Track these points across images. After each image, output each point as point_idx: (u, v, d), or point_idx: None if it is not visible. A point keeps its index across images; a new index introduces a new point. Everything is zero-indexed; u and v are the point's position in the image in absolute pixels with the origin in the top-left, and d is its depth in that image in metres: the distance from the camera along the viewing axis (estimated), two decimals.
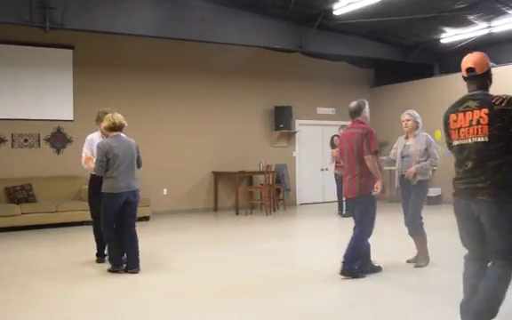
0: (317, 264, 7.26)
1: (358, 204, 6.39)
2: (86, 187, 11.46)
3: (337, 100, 16.15)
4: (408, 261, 7.08)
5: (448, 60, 15.36)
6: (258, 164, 13.99)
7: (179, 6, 11.67)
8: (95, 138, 7.39)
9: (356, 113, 6.51)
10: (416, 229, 6.87)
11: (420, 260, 6.93)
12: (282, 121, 14.77)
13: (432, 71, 15.74)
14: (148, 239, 9.66)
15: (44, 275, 6.88)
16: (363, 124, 6.43)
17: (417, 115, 7.14)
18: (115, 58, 12.76)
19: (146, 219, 11.96)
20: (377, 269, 6.57)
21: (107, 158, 6.65)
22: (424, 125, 7.50)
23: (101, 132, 7.31)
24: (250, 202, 13.57)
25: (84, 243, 8.84)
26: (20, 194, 11.09)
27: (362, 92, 16.57)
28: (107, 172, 6.69)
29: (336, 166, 12.23)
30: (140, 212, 11.77)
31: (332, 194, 15.28)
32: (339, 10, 11.86)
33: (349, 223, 6.66)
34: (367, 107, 6.61)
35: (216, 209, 13.93)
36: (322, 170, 15.84)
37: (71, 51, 12.19)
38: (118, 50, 12.66)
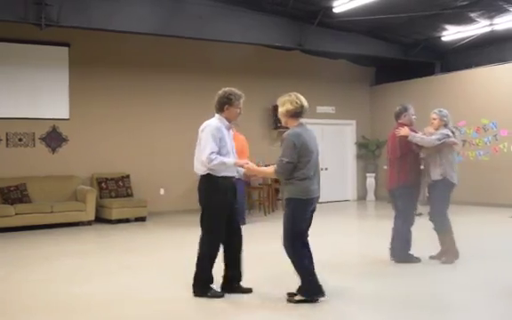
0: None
1: (398, 196, 7.09)
2: (89, 188, 11.52)
3: (337, 98, 15.99)
4: (431, 257, 7.22)
5: (449, 58, 15.19)
6: (255, 163, 13.74)
7: (176, 3, 11.47)
8: (221, 126, 5.64)
9: (396, 116, 7.35)
10: (440, 225, 7.10)
11: (448, 255, 7.05)
12: (281, 120, 14.52)
13: (433, 69, 15.53)
14: (145, 239, 9.56)
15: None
16: (402, 125, 7.17)
17: (444, 113, 7.32)
18: (111, 55, 12.57)
19: (142, 219, 11.80)
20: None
21: (298, 155, 5.26)
22: (425, 123, 7.50)
23: (225, 119, 5.69)
24: (249, 201, 13.39)
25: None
26: (14, 194, 10.89)
27: (362, 90, 16.44)
28: (294, 173, 5.26)
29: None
30: (137, 212, 11.75)
31: (330, 194, 15.15)
32: (339, 7, 11.68)
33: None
34: (409, 111, 7.34)
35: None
36: (321, 169, 15.61)
37: (67, 48, 11.99)
38: (115, 47, 12.46)
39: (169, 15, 11.41)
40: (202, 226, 5.59)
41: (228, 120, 5.66)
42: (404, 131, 7.01)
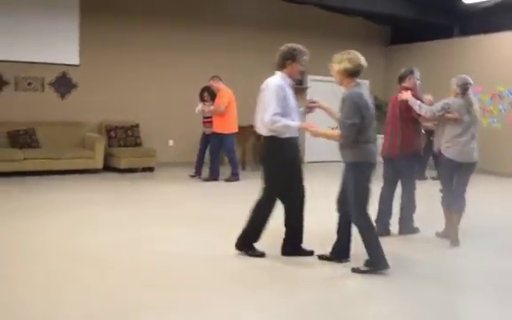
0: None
1: (403, 165, 6.68)
2: (97, 136, 11.38)
3: None
4: (437, 235, 6.77)
5: (468, 21, 14.80)
6: (330, 128, 13.58)
7: None
8: (283, 84, 5.35)
9: (400, 79, 6.96)
10: (462, 206, 6.50)
11: (455, 238, 6.42)
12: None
13: (451, 32, 15.18)
14: (153, 191, 9.47)
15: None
16: (406, 88, 6.78)
17: (459, 81, 6.56)
18: (124, 3, 12.26)
19: (150, 169, 11.70)
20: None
21: (361, 116, 4.94)
22: (439, 88, 7.21)
23: (287, 76, 5.40)
24: (257, 157, 13.25)
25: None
26: (23, 138, 10.76)
27: (377, 50, 16.15)
28: (357, 135, 4.97)
29: (203, 122, 11.26)
30: (145, 162, 11.66)
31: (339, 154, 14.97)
32: None
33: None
34: (415, 74, 6.91)
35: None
36: (331, 128, 15.43)
37: None
38: None
39: None
40: (263, 186, 5.41)
41: (290, 77, 5.40)
42: (406, 94, 6.59)
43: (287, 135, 5.28)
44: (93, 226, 6.73)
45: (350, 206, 5.08)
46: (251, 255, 5.44)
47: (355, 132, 4.92)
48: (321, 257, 5.45)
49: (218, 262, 5.39)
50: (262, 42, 14.17)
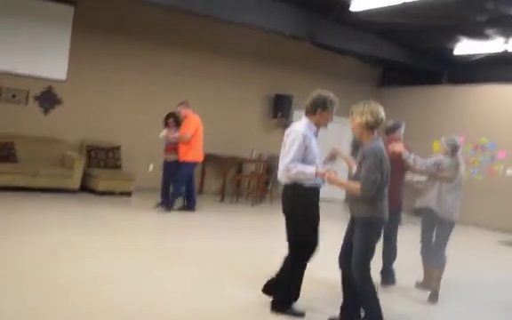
0: None
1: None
2: (77, 155, 11.14)
3: (340, 95, 15.44)
4: (417, 285, 6.88)
5: (458, 70, 14.90)
6: (250, 150, 13.50)
7: None
8: (308, 132, 5.10)
9: (389, 130, 6.99)
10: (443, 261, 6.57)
11: (434, 295, 6.46)
12: (281, 109, 14.29)
13: (440, 79, 15.28)
14: (127, 219, 9.25)
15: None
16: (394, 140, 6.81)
17: (449, 141, 6.66)
18: (118, 22, 12.04)
19: (128, 194, 11.49)
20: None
21: (380, 172, 4.78)
22: (425, 134, 7.24)
23: (314, 124, 5.16)
24: (237, 190, 13.14)
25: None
26: (2, 151, 10.43)
27: (368, 90, 16.10)
28: (376, 193, 4.80)
29: (166, 149, 10.66)
30: (123, 185, 11.45)
31: (322, 190, 14.85)
32: (356, 5, 11.32)
33: None
34: (402, 127, 7.13)
35: (201, 192, 13.43)
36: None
37: (73, 7, 11.43)
38: (123, 14, 11.98)
39: None
40: (289, 240, 5.18)
41: (318, 125, 5.16)
42: (399, 146, 6.48)
43: (311, 183, 5.04)
44: (67, 254, 6.48)
45: (353, 261, 4.88)
46: (290, 314, 5.17)
47: (375, 189, 4.75)
48: None
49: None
50: (253, 74, 14.13)
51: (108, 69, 12.07)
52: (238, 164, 13.88)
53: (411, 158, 6.46)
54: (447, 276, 6.71)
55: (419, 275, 6.94)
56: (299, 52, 14.36)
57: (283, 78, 14.47)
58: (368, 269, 4.88)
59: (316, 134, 5.16)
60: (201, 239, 8.57)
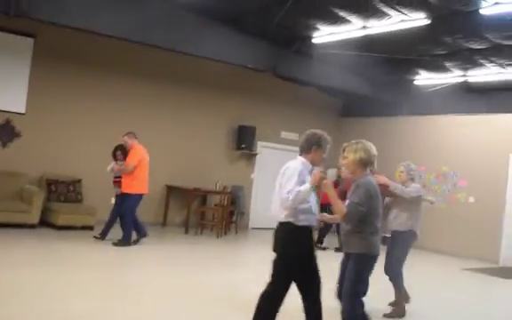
0: None
1: None
2: (36, 189, 10.89)
3: (302, 126, 15.54)
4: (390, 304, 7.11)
5: (417, 101, 15.13)
6: (214, 182, 13.38)
7: (155, 11, 10.93)
8: (303, 170, 5.12)
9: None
10: (396, 276, 6.98)
11: (395, 310, 6.92)
12: (244, 141, 14.26)
13: (400, 109, 15.48)
14: (88, 254, 9.01)
15: None
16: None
17: (412, 167, 7.24)
18: (78, 54, 11.93)
19: (90, 228, 11.21)
20: None
21: (369, 206, 4.94)
22: (386, 163, 7.45)
23: (309, 162, 5.19)
24: (201, 222, 12.99)
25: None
26: None
27: (328, 120, 16.23)
28: (365, 226, 4.96)
29: (114, 182, 10.52)
30: (84, 220, 11.17)
31: None
32: (318, 38, 11.44)
33: None
34: None
35: (165, 224, 13.25)
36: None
37: (32, 40, 11.26)
38: (83, 45, 11.82)
39: (143, 22, 10.81)
40: (273, 274, 5.07)
41: (312, 163, 5.18)
42: (383, 179, 6.64)
43: (305, 223, 5.03)
44: (23, 295, 6.20)
45: (344, 290, 4.98)
46: None
47: (357, 217, 4.89)
48: None
49: None
50: (216, 105, 14.10)
51: (68, 101, 11.89)
52: (202, 195, 13.76)
53: (398, 189, 6.86)
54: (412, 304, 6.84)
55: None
56: (261, 84, 14.40)
57: (246, 109, 14.48)
58: (357, 301, 4.94)
59: (310, 172, 5.15)
60: (168, 273, 8.38)
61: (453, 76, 12.79)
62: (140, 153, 10.11)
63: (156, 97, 13.12)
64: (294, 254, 5.05)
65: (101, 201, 11.86)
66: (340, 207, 4.91)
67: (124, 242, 9.98)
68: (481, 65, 11.79)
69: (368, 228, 4.93)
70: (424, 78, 13.51)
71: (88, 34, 11.01)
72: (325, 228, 12.36)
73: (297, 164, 5.11)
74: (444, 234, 13.61)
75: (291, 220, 4.99)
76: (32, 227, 10.52)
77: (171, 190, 13.30)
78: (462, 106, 13.98)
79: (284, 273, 5.08)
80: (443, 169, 14.03)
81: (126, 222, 10.13)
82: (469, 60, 11.59)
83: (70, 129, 11.89)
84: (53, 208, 10.96)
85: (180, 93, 13.50)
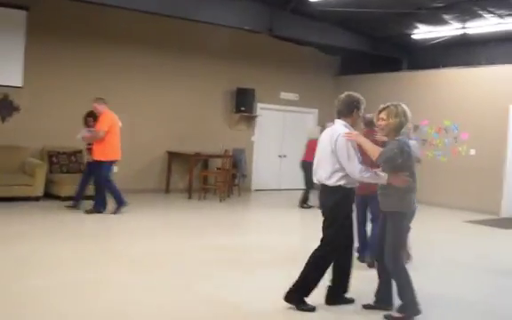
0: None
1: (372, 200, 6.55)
2: (38, 162, 10.90)
3: (301, 85, 15.70)
4: None
5: (417, 56, 15.05)
6: (215, 146, 13.41)
7: None
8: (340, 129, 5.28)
9: (369, 123, 6.82)
10: None
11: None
12: (243, 103, 14.22)
13: (400, 65, 15.40)
14: (91, 223, 9.07)
15: None
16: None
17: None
18: (73, 24, 11.79)
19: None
20: None
21: (403, 162, 5.07)
22: None
23: (351, 124, 5.34)
24: (204, 186, 13.02)
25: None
26: None
27: (327, 79, 16.21)
28: (410, 184, 5.15)
29: (87, 149, 10.39)
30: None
31: (288, 181, 14.94)
32: None
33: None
34: None
35: (168, 191, 13.30)
36: (280, 156, 15.42)
37: (25, 12, 11.10)
38: (77, 16, 11.69)
39: None
40: (326, 237, 5.31)
41: (352, 125, 5.36)
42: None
43: (352, 185, 5.30)
44: (33, 266, 6.29)
45: (386, 252, 5.15)
46: (302, 310, 5.24)
47: (389, 164, 5.05)
48: (366, 306, 5.42)
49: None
50: (214, 69, 14.02)
51: (65, 73, 11.81)
52: (204, 160, 13.78)
53: None
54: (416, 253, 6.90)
55: None
56: (258, 46, 14.30)
57: (244, 72, 14.39)
58: (400, 257, 5.16)
59: None
60: (170, 239, 8.41)
61: (452, 29, 12.69)
62: (110, 118, 9.80)
63: (154, 64, 13.04)
64: (346, 215, 5.34)
65: None
66: (375, 149, 5.07)
67: (97, 209, 9.83)
68: (480, 16, 11.69)
69: (402, 187, 5.08)
70: (423, 32, 13.38)
71: (81, 3, 10.94)
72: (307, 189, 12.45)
73: (344, 129, 5.25)
74: (445, 187, 13.65)
75: (341, 183, 5.20)
76: (37, 199, 10.58)
77: (172, 156, 13.31)
78: (462, 59, 13.90)
79: (338, 237, 5.30)
80: (444, 123, 14.00)
81: (100, 190, 9.92)
82: (468, 11, 11.50)
83: (68, 100, 11.81)
84: (56, 180, 11.01)
85: (177, 59, 13.41)
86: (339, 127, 5.27)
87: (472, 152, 13.48)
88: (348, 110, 5.32)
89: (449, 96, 13.95)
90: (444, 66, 14.17)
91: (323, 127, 12.00)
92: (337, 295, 5.48)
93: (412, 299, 5.11)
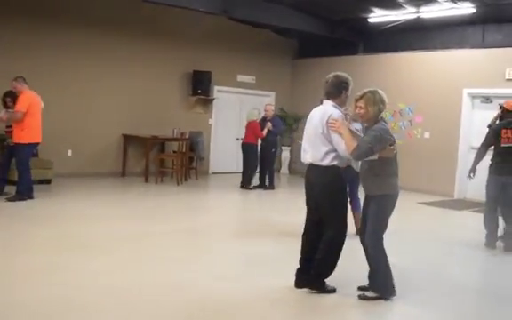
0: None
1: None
2: None
3: (258, 68, 15.68)
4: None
5: (373, 39, 15.16)
6: (172, 129, 13.29)
7: None
8: (341, 113, 5.33)
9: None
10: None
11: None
12: (200, 86, 14.14)
13: (356, 49, 15.50)
14: (49, 208, 8.91)
15: None
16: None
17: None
18: (26, 5, 11.53)
19: (47, 182, 11.07)
20: None
21: (380, 147, 5.10)
22: None
23: (340, 104, 5.37)
24: (161, 169, 12.92)
25: None
26: None
27: (284, 62, 16.24)
28: (385, 167, 5.23)
29: (6, 131, 9.95)
30: (41, 174, 10.98)
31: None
32: None
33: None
34: None
35: (124, 174, 13.16)
36: (237, 139, 15.37)
37: None
38: None
39: None
40: (329, 222, 5.31)
41: (340, 105, 5.40)
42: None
43: (344, 164, 5.37)
44: None
45: (367, 233, 5.29)
46: (324, 292, 5.39)
47: (365, 156, 5.09)
48: (361, 288, 5.50)
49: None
50: (170, 51, 13.88)
51: (12, 55, 11.45)
52: (161, 143, 13.67)
53: None
54: None
55: None
56: (215, 28, 14.21)
57: (201, 55, 14.28)
58: (381, 240, 5.27)
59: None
60: (126, 223, 8.31)
61: (407, 13, 12.81)
62: (29, 99, 9.24)
63: (109, 46, 12.84)
64: (341, 192, 5.41)
65: (58, 154, 11.74)
66: (351, 143, 5.06)
67: (20, 196, 9.35)
68: (433, 0, 11.84)
69: (387, 170, 5.25)
70: (379, 15, 13.47)
71: None
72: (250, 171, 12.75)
73: (335, 111, 5.26)
74: (401, 170, 13.73)
75: (335, 163, 5.25)
76: None
77: (128, 139, 13.16)
78: (417, 43, 14.07)
79: (342, 219, 5.37)
80: (399, 106, 14.17)
81: (23, 175, 9.43)
82: None
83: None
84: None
85: (133, 42, 13.22)
86: (329, 108, 5.29)
87: (426, 135, 13.72)
88: (337, 91, 5.37)
89: (404, 79, 14.12)
90: (400, 49, 14.33)
91: (258, 110, 12.40)
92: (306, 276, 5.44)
93: (388, 281, 5.29)
